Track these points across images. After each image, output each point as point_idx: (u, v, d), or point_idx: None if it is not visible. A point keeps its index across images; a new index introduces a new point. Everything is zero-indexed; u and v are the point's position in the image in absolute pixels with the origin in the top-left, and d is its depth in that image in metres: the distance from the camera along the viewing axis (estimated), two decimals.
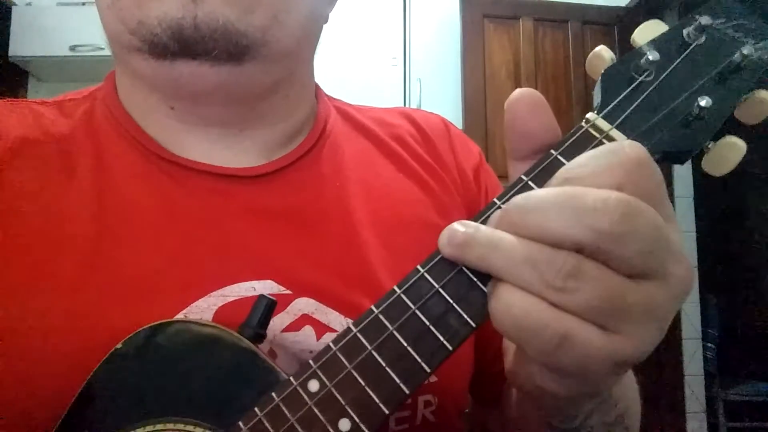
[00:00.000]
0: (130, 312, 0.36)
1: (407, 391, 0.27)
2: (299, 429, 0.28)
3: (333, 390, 0.28)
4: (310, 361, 0.29)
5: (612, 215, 0.23)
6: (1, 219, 0.38)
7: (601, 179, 0.25)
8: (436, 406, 0.42)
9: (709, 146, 0.30)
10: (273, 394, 0.29)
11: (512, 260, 0.25)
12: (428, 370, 0.27)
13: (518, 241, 0.25)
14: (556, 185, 0.26)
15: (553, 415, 0.35)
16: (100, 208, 0.40)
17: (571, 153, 0.28)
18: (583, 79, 2.57)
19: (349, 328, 0.29)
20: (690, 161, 0.31)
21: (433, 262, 0.28)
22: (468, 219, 0.28)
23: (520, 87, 0.31)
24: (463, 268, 0.28)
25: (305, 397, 0.28)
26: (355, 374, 0.28)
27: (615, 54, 0.32)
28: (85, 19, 2.28)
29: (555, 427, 0.36)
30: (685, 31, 0.32)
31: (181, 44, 0.37)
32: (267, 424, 0.28)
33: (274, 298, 0.34)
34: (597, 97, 0.32)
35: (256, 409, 0.29)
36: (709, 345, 2.64)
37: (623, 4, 2.71)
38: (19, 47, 2.34)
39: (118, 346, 0.33)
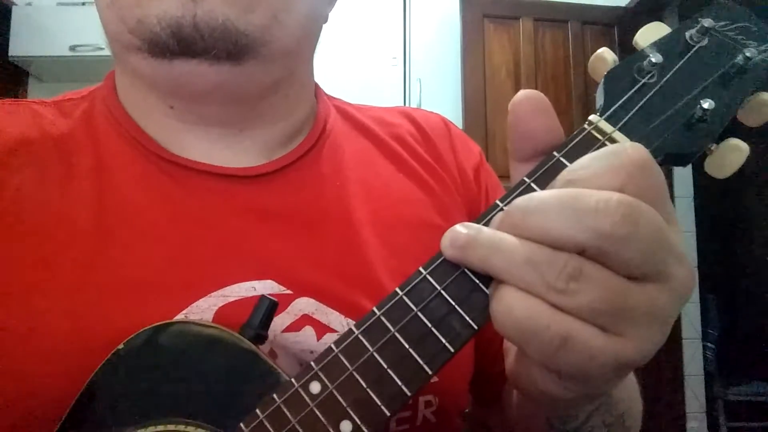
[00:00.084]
0: (130, 312, 0.36)
1: (409, 393, 0.27)
2: (300, 431, 0.28)
3: (334, 392, 0.28)
4: (312, 363, 0.29)
5: (613, 217, 0.23)
6: (1, 219, 0.38)
7: (603, 181, 0.25)
8: (436, 406, 0.42)
9: (712, 148, 0.30)
10: (274, 395, 0.29)
11: (513, 262, 0.25)
12: (430, 372, 0.27)
13: (520, 242, 0.25)
14: (558, 187, 0.26)
15: (554, 416, 0.35)
16: (100, 208, 0.40)
17: (574, 155, 0.28)
18: (583, 79, 2.57)
19: (350, 329, 0.29)
20: (691, 163, 0.31)
21: (436, 264, 0.28)
22: (468, 219, 0.28)
23: (520, 87, 0.31)
24: (465, 270, 0.28)
25: (306, 398, 0.28)
26: (357, 376, 0.28)
27: (615, 54, 0.32)
28: (85, 19, 2.27)
29: (556, 428, 0.36)
30: (687, 34, 0.32)
31: (180, 43, 0.37)
32: (268, 426, 0.28)
33: (275, 299, 0.34)
34: (599, 99, 0.32)
35: (257, 410, 0.29)
36: (709, 345, 2.65)
37: (623, 4, 2.71)
38: (19, 47, 2.33)
39: (120, 346, 0.32)
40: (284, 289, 0.40)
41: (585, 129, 0.30)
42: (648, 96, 0.31)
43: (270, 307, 0.33)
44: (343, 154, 0.50)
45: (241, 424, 0.29)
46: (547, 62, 2.60)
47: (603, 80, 0.32)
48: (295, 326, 0.40)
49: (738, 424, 2.63)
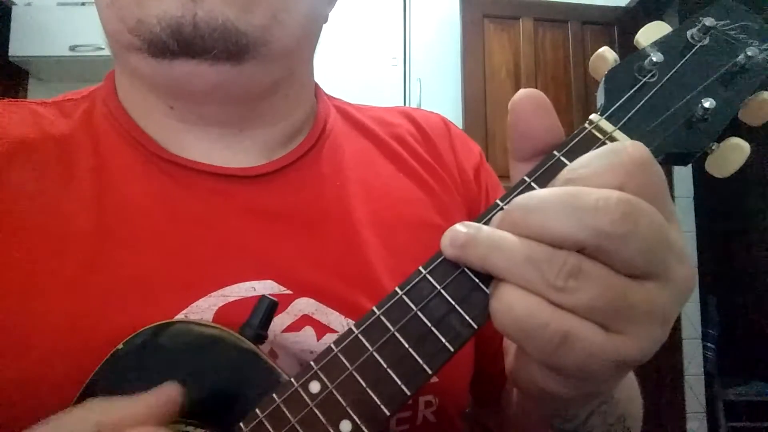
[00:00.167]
0: (130, 312, 0.36)
1: (408, 393, 0.27)
2: (300, 430, 0.28)
3: (334, 391, 0.28)
4: (312, 363, 0.29)
5: (613, 215, 0.23)
6: (1, 219, 0.38)
7: (603, 179, 0.25)
8: (436, 406, 0.42)
9: (713, 148, 0.30)
10: (274, 395, 0.29)
11: (513, 260, 0.25)
12: (430, 372, 0.27)
13: (520, 240, 0.25)
14: (559, 186, 0.26)
15: (554, 415, 0.35)
16: (100, 208, 0.40)
17: (575, 154, 0.28)
18: (583, 79, 2.57)
19: (350, 329, 0.29)
20: (692, 162, 0.31)
21: (435, 263, 0.28)
22: (468, 218, 0.28)
23: (520, 87, 0.31)
24: (465, 269, 0.28)
25: (306, 398, 0.28)
26: (357, 375, 0.28)
27: (616, 54, 0.32)
28: (85, 19, 2.27)
29: (556, 428, 0.36)
30: (689, 33, 0.32)
31: (180, 43, 0.37)
32: (268, 425, 0.28)
33: (275, 299, 0.34)
34: (600, 99, 0.32)
35: (257, 410, 0.29)
36: (709, 345, 2.64)
37: (623, 4, 2.71)
38: (19, 47, 2.33)
39: (119, 346, 0.32)
40: (284, 289, 0.40)
41: (585, 128, 0.30)
42: (649, 95, 0.31)
43: (270, 307, 0.33)
44: (343, 154, 0.50)
45: (241, 424, 0.29)
46: (547, 62, 2.60)
47: (604, 79, 0.32)
48: (295, 326, 0.40)
49: (738, 424, 2.63)
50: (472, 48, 2.57)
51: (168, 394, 0.29)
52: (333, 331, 0.40)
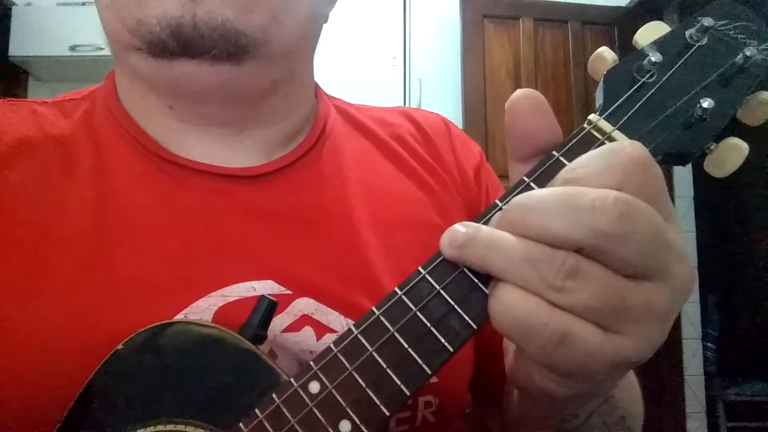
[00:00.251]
0: (130, 312, 0.36)
1: (408, 393, 0.27)
2: (300, 430, 0.28)
3: (334, 391, 0.28)
4: (311, 363, 0.29)
5: (611, 215, 0.23)
6: (1, 219, 0.38)
7: (602, 179, 0.25)
8: (436, 406, 0.42)
9: (712, 148, 0.30)
10: (273, 395, 0.29)
11: (512, 260, 0.25)
12: (429, 372, 0.27)
13: (518, 240, 0.25)
14: (557, 186, 0.26)
15: (554, 415, 0.35)
16: (100, 208, 0.40)
17: (574, 154, 0.28)
18: (582, 79, 2.57)
19: (350, 329, 0.29)
20: (690, 162, 0.31)
21: (435, 263, 0.28)
22: (468, 219, 0.28)
23: (520, 87, 0.31)
24: (465, 269, 0.28)
25: (306, 398, 0.28)
26: (356, 376, 0.28)
27: (614, 53, 0.32)
28: (85, 19, 2.27)
29: (555, 428, 0.36)
30: (687, 33, 0.32)
31: (180, 43, 0.37)
32: (267, 426, 0.28)
33: (275, 299, 0.34)
34: (599, 99, 0.32)
35: (256, 410, 0.29)
36: (709, 345, 2.64)
37: (623, 4, 2.71)
38: (19, 47, 2.33)
39: (119, 347, 0.32)
40: (284, 289, 0.40)
41: (584, 128, 0.30)
42: (648, 95, 0.31)
43: (269, 307, 0.33)
44: (343, 154, 0.50)
45: (241, 424, 0.29)
46: (547, 62, 2.60)
47: (603, 79, 0.32)
48: (294, 326, 0.40)
49: (738, 424, 2.63)
50: (472, 48, 2.57)
51: None
52: (333, 331, 0.40)
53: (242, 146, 0.45)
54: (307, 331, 0.40)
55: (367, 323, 0.28)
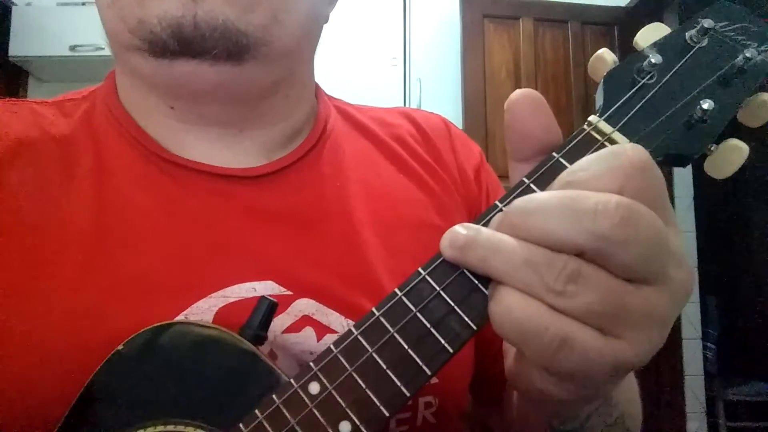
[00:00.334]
0: (130, 313, 0.36)
1: (408, 394, 0.27)
2: (300, 431, 0.28)
3: (333, 392, 0.28)
4: (311, 363, 0.29)
5: (612, 219, 0.23)
6: (1, 219, 0.38)
7: (603, 182, 0.25)
8: (436, 407, 0.42)
9: (712, 149, 0.30)
10: (273, 396, 0.29)
11: (512, 263, 0.25)
12: (429, 373, 0.27)
13: (519, 243, 0.25)
14: (558, 188, 0.26)
15: (553, 416, 0.35)
16: (100, 209, 0.40)
17: (574, 156, 0.28)
18: (582, 79, 2.57)
19: (350, 330, 0.29)
20: (691, 163, 0.31)
21: (435, 264, 0.28)
22: (468, 219, 0.28)
23: (520, 87, 0.31)
24: (465, 270, 0.28)
25: (306, 399, 0.28)
26: (356, 376, 0.28)
27: (615, 54, 0.32)
28: (85, 19, 2.27)
29: (555, 429, 0.36)
30: (687, 34, 0.32)
31: (180, 43, 0.37)
32: (267, 426, 0.28)
33: (275, 300, 0.34)
34: (599, 100, 0.32)
35: (256, 411, 0.29)
36: (709, 345, 2.64)
37: (623, 4, 2.71)
38: (19, 47, 2.33)
39: (120, 347, 0.32)
40: (284, 289, 0.40)
41: (584, 130, 0.30)
42: (648, 97, 0.31)
43: (269, 308, 0.33)
44: (343, 154, 0.50)
45: (241, 425, 0.29)
46: (547, 62, 2.60)
47: (603, 81, 0.32)
48: (295, 327, 0.40)
49: (738, 424, 2.63)
50: (472, 48, 2.57)
51: None
52: (333, 331, 0.40)
53: (242, 146, 0.45)
54: (308, 332, 0.40)
55: (367, 324, 0.28)
